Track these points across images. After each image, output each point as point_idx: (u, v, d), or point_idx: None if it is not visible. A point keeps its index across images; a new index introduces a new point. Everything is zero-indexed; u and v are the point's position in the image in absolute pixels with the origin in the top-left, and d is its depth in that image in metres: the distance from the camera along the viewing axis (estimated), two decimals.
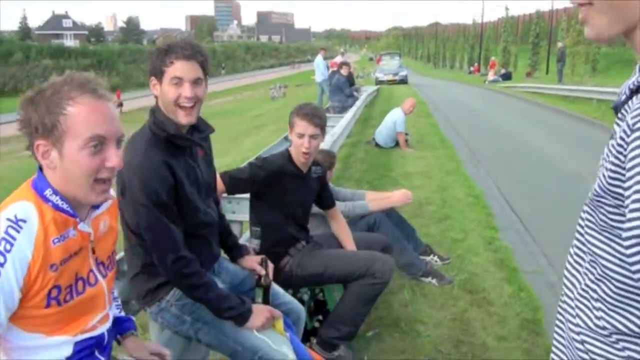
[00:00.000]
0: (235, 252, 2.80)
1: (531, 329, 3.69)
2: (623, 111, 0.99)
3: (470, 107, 19.58)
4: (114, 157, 1.52)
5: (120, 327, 1.95)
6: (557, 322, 1.25)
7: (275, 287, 2.78)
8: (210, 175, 2.62)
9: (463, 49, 66.38)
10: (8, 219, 1.42)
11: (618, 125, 0.99)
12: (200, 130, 2.48)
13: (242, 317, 2.35)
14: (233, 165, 3.66)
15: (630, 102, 0.98)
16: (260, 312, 2.39)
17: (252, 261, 2.76)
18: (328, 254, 3.34)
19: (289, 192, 3.22)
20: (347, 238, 3.51)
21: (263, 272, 2.68)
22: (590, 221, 1.07)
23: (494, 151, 10.77)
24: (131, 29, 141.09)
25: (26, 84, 51.66)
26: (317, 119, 3.17)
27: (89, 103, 1.49)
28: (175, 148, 2.33)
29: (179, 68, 2.24)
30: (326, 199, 3.55)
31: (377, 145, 10.52)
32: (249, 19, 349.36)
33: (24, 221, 1.43)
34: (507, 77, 37.52)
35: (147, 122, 2.37)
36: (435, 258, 4.75)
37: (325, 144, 6.63)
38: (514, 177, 8.57)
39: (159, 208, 2.22)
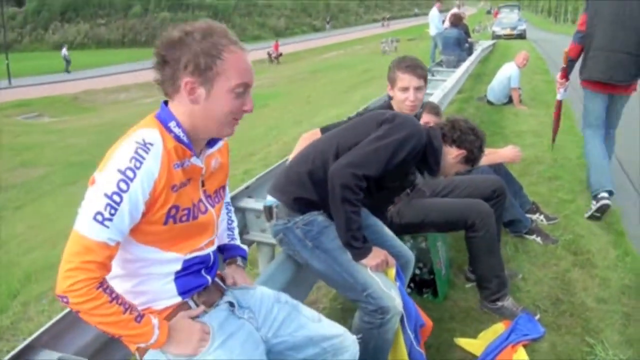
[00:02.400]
0: None
1: (633, 294, 3.63)
2: None
3: None
4: (249, 103, 1.76)
5: (232, 252, 2.15)
6: None
7: (386, 230, 2.89)
8: None
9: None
10: (137, 142, 1.61)
11: None
12: None
13: (361, 251, 2.48)
14: (343, 117, 3.77)
15: None
16: (378, 254, 2.52)
17: None
18: (426, 203, 3.39)
19: None
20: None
21: None
22: None
23: None
24: None
25: (145, 36, 54.13)
26: (420, 69, 3.18)
27: (239, 53, 1.71)
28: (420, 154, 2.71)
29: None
30: None
31: (489, 102, 10.28)
32: None
33: (151, 144, 1.62)
34: None
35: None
36: (542, 217, 4.70)
37: (434, 97, 6.61)
38: (631, 140, 8.13)
39: (391, 155, 2.48)
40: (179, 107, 1.72)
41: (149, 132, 1.65)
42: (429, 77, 5.53)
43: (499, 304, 3.37)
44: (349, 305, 3.40)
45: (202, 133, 1.76)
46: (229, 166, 2.03)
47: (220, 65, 1.66)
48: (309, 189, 2.59)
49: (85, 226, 1.54)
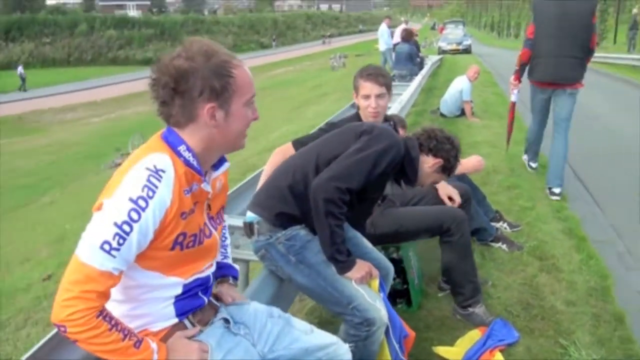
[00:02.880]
0: None
1: (599, 296, 3.75)
2: None
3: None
4: (256, 111, 1.79)
5: (224, 271, 2.12)
6: None
7: (366, 243, 2.89)
8: None
9: (528, 17, 64.08)
10: (148, 169, 1.57)
11: None
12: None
13: (346, 264, 2.48)
14: (299, 133, 3.79)
15: None
16: (362, 266, 2.53)
17: None
18: (400, 212, 3.45)
19: None
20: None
21: None
22: None
23: None
24: (192, 0, 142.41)
25: (91, 54, 53.17)
26: (381, 77, 3.23)
27: (242, 65, 1.71)
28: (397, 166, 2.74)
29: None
30: None
31: (441, 115, 10.48)
32: None
33: (163, 171, 1.58)
34: None
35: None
36: (505, 225, 4.81)
37: (392, 110, 6.70)
38: (582, 148, 8.41)
39: (372, 167, 2.50)
40: (195, 135, 1.68)
41: (159, 157, 1.61)
42: None
43: (470, 310, 3.42)
44: (326, 319, 3.40)
45: (215, 154, 1.76)
46: (227, 188, 2.02)
47: (234, 83, 1.66)
48: (291, 203, 2.59)
49: (89, 254, 1.49)
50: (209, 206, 1.83)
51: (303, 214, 2.57)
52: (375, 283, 2.60)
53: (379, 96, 3.22)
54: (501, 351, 3.12)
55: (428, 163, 2.82)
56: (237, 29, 72.00)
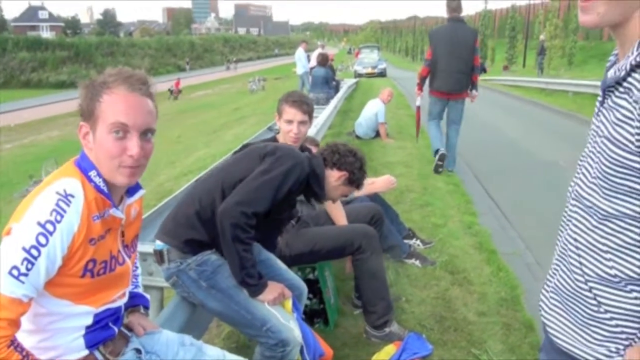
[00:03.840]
0: None
1: (509, 305, 3.89)
2: (626, 84, 1.12)
3: None
4: (135, 147, 1.63)
5: (135, 301, 2.07)
6: (549, 277, 1.42)
7: (279, 264, 2.92)
8: None
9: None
10: (57, 193, 1.54)
11: (618, 97, 1.14)
12: None
13: (257, 287, 2.49)
14: (217, 156, 3.79)
15: (631, 77, 1.11)
16: (274, 288, 2.54)
17: None
18: (313, 232, 3.48)
19: None
20: (338, 213, 3.70)
21: None
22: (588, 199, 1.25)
23: (472, 142, 10.96)
24: (108, 21, 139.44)
25: (3, 77, 50.88)
26: (305, 105, 3.31)
27: (121, 93, 1.63)
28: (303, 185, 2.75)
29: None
30: None
31: (357, 137, 10.66)
32: (226, 11, 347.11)
33: (72, 196, 1.55)
34: (481, 69, 37.23)
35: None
36: (418, 242, 4.93)
37: (309, 132, 6.78)
38: (492, 166, 8.81)
39: (276, 189, 2.52)
40: (89, 154, 1.68)
41: (70, 182, 1.59)
42: None
43: (387, 329, 3.45)
44: (244, 343, 3.37)
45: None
46: (142, 217, 1.99)
47: (99, 108, 1.62)
48: (199, 229, 2.58)
49: None
50: (122, 233, 1.79)
51: (212, 239, 2.56)
52: (289, 303, 2.60)
53: (301, 122, 3.29)
54: None
55: (334, 177, 2.89)
56: (154, 51, 70.95)
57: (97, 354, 1.75)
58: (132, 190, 1.80)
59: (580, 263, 1.27)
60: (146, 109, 1.67)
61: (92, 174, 1.64)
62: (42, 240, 1.48)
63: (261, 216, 2.50)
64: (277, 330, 2.44)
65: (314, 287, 3.59)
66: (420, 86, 7.99)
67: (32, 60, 50.19)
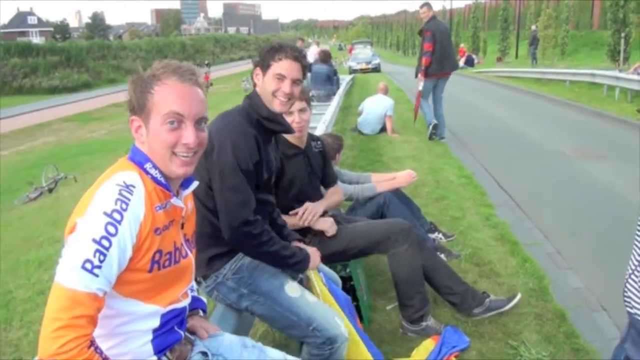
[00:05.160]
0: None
1: (539, 296, 3.92)
2: None
3: (446, 92, 20.06)
4: (190, 136, 1.65)
5: (194, 304, 2.06)
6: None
7: None
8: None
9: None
10: (117, 184, 1.54)
11: None
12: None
13: (304, 261, 2.56)
14: None
15: None
16: (314, 252, 2.65)
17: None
18: (347, 229, 3.43)
19: (294, 172, 3.31)
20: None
21: None
22: None
23: (475, 134, 11.05)
24: (97, 25, 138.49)
25: None
26: (301, 93, 2.87)
27: (172, 84, 1.64)
28: (263, 133, 2.57)
29: (285, 66, 2.53)
30: (329, 175, 3.61)
31: (360, 132, 10.68)
32: (215, 11, 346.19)
33: (134, 186, 1.56)
34: (469, 62, 36.67)
35: (243, 103, 2.65)
36: (440, 235, 4.94)
37: (318, 131, 6.78)
38: (499, 158, 8.85)
39: (244, 172, 2.43)
40: (142, 147, 1.69)
41: (128, 174, 1.60)
42: None
43: (423, 324, 3.44)
44: (280, 342, 3.36)
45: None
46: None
47: (151, 100, 1.64)
48: (216, 245, 2.55)
49: (71, 277, 1.41)
50: (182, 225, 1.79)
51: (232, 249, 2.58)
52: (326, 292, 2.67)
53: (301, 110, 3.20)
54: (456, 357, 3.20)
55: (258, 79, 2.63)
56: (145, 53, 70.48)
57: (164, 359, 1.76)
58: (186, 182, 1.81)
59: None
60: (198, 97, 1.69)
61: (148, 166, 1.65)
62: (112, 229, 1.47)
63: (266, 194, 2.57)
64: (323, 328, 2.44)
65: (346, 284, 3.56)
66: (424, 73, 9.58)
67: (24, 66, 49.63)
